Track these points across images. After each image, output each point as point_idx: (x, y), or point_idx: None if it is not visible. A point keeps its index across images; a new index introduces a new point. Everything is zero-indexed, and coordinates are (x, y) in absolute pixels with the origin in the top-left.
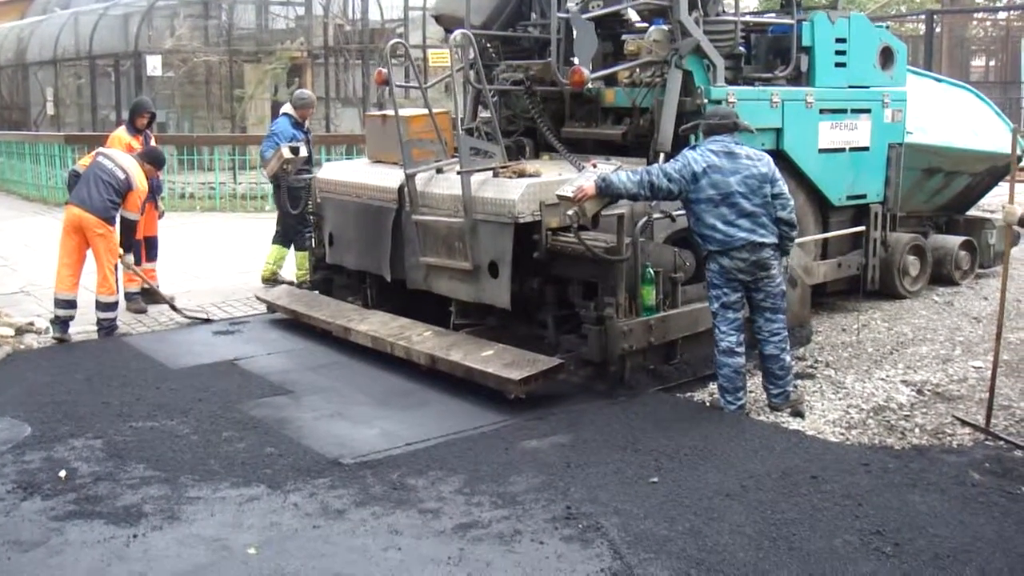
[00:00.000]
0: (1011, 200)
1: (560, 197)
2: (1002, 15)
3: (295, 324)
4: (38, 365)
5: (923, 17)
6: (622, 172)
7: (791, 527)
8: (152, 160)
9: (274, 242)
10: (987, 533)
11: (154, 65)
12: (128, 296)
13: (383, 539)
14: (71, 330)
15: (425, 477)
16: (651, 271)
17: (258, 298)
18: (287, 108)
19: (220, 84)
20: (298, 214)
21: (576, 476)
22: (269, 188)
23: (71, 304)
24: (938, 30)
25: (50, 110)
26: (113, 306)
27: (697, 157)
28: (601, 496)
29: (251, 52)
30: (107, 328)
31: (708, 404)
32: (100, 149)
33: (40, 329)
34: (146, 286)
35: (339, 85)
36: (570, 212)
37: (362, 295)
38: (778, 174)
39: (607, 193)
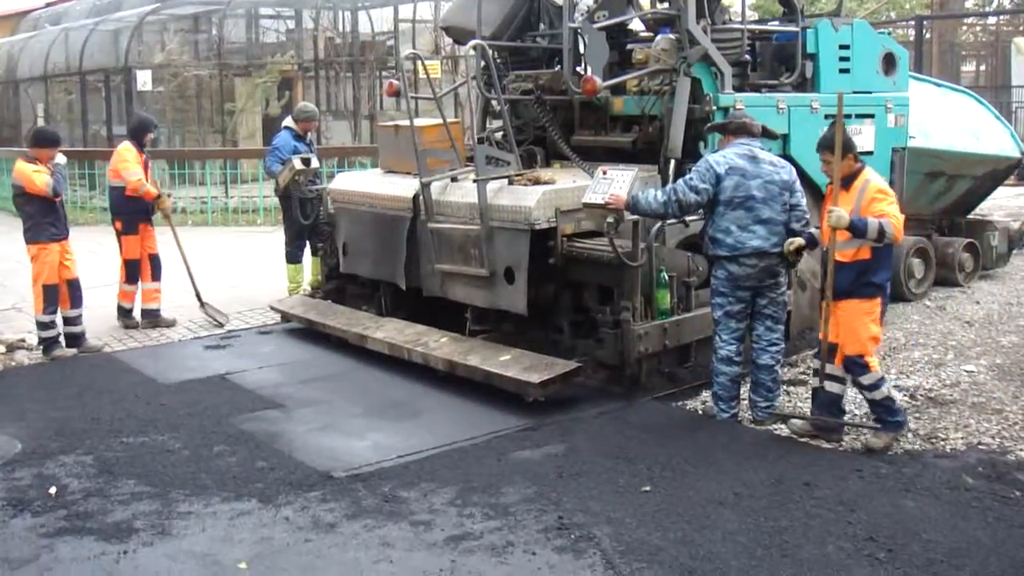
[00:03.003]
0: (835, 201)
1: (587, 205)
2: (992, 20)
3: (288, 336)
4: (29, 381)
5: (913, 23)
6: (650, 192)
7: (784, 534)
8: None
9: (288, 262)
10: (981, 537)
11: (144, 80)
12: (144, 312)
13: (375, 552)
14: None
15: (417, 489)
16: (665, 275)
17: (272, 308)
18: (288, 121)
19: (211, 98)
20: (310, 224)
21: (568, 486)
22: (262, 202)
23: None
24: (928, 36)
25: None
26: (40, 325)
27: (719, 159)
28: (593, 506)
29: (241, 66)
30: (42, 344)
31: (701, 413)
32: None
33: (31, 346)
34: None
35: (330, 98)
36: (610, 219)
37: (376, 303)
38: (798, 184)
39: (635, 212)
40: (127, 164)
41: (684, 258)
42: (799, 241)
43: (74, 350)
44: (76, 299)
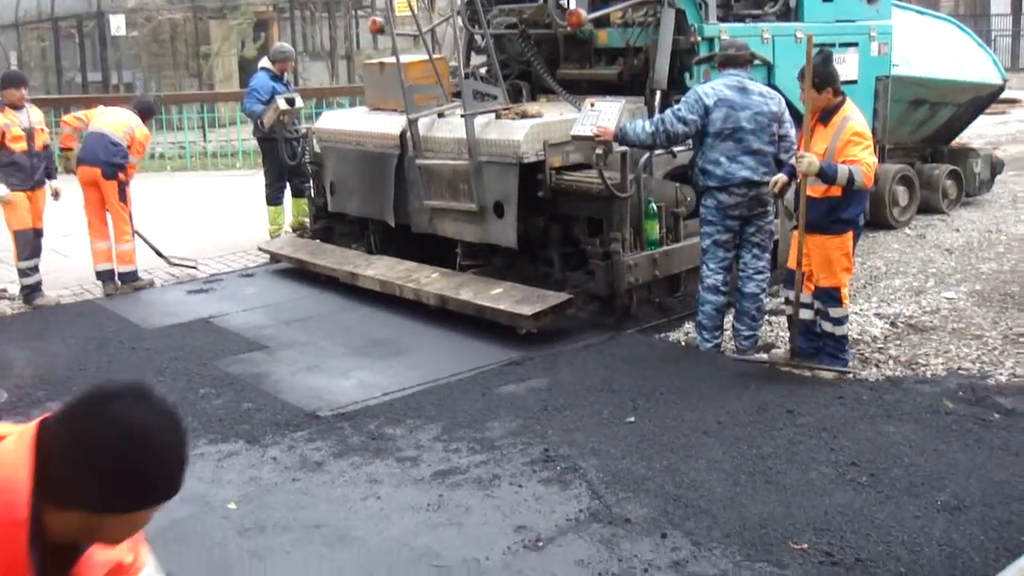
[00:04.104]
0: (812, 136)
1: (576, 137)
2: None
3: (271, 278)
4: (12, 331)
5: None
6: (637, 123)
7: (768, 461)
8: None
9: (269, 204)
10: (961, 460)
11: (118, 25)
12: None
13: (362, 489)
14: (50, 294)
15: (403, 426)
16: (654, 206)
17: (261, 249)
18: (264, 62)
19: (185, 42)
20: (294, 165)
21: (553, 419)
22: (241, 145)
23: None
24: None
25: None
26: (20, 272)
27: (708, 91)
28: (578, 438)
29: (216, 8)
30: (23, 293)
31: (684, 344)
32: None
33: (13, 295)
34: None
35: (306, 38)
36: (598, 151)
37: (365, 242)
38: (787, 115)
39: (623, 144)
40: (143, 147)
41: (672, 189)
42: (782, 180)
43: (56, 297)
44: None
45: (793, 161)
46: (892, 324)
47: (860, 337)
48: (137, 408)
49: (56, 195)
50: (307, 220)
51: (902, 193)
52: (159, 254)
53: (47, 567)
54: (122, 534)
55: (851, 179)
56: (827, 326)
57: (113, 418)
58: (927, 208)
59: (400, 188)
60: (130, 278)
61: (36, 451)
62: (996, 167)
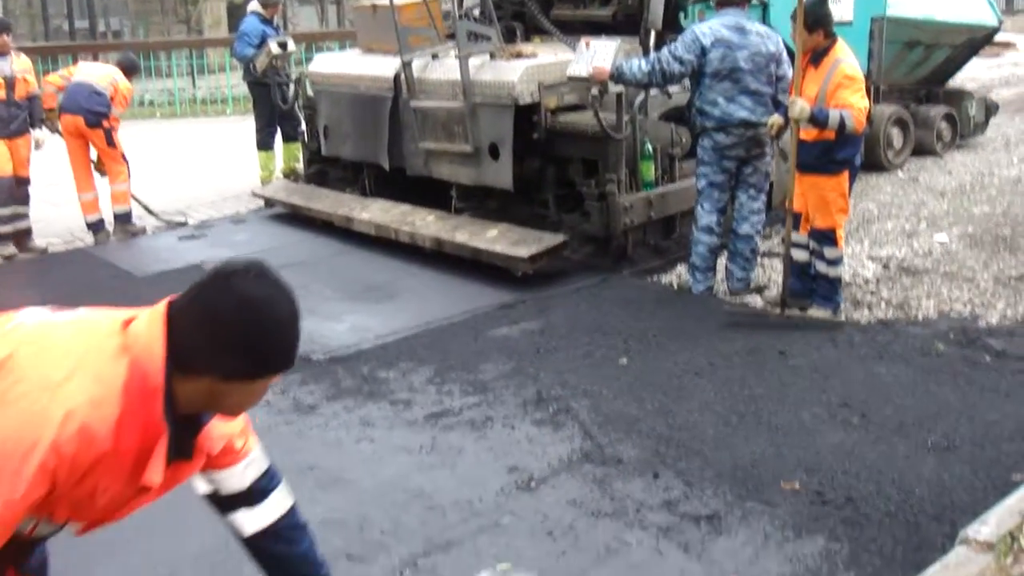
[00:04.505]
0: (803, 78)
1: (572, 77)
2: None
3: (263, 224)
4: (3, 280)
5: None
6: (633, 62)
7: (759, 402)
8: None
9: (260, 149)
10: (952, 401)
11: None
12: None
13: (356, 431)
14: (38, 242)
15: (396, 369)
16: (649, 147)
17: (255, 194)
18: (253, 6)
19: None
20: (288, 108)
21: (545, 361)
22: (231, 91)
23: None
24: None
25: None
26: None
27: (706, 31)
28: (571, 379)
29: None
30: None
31: (676, 287)
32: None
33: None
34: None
35: None
36: (594, 92)
37: (359, 186)
38: (785, 55)
39: (619, 82)
40: (127, 100)
41: (668, 129)
42: (779, 121)
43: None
44: (19, 198)
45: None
46: (884, 266)
47: (852, 279)
48: (258, 283)
49: (39, 145)
50: (298, 165)
51: (896, 135)
52: (149, 211)
53: (178, 434)
54: (241, 404)
55: (843, 124)
56: (821, 267)
57: (236, 291)
58: (921, 150)
59: (394, 131)
60: (125, 219)
61: (167, 325)
62: (991, 109)
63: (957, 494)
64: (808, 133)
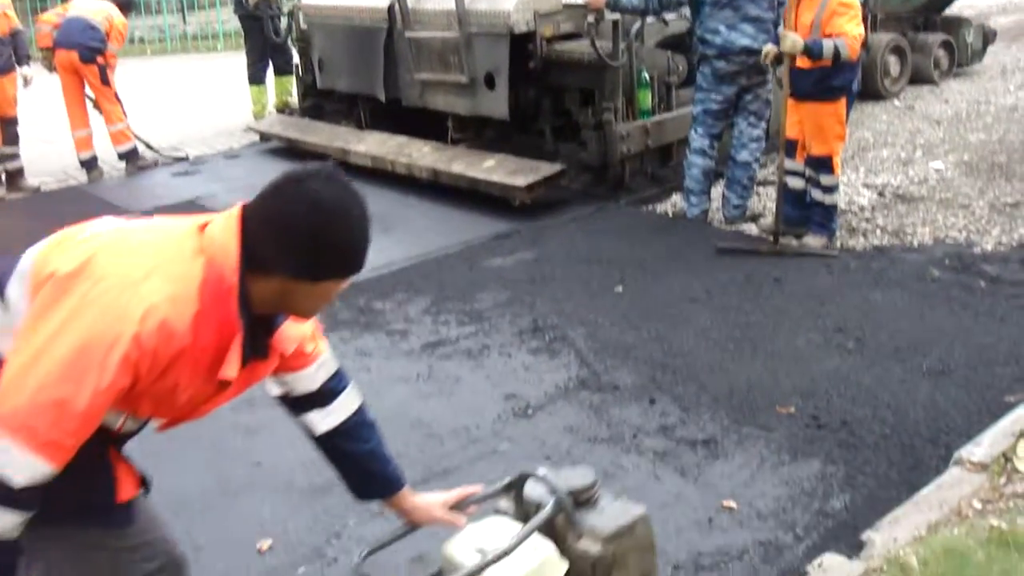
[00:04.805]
0: (795, 17)
1: (567, 5)
2: None
3: (256, 158)
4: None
5: None
6: None
7: (755, 328)
8: None
9: (251, 83)
10: (946, 325)
11: None
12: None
13: (352, 362)
14: (30, 181)
15: (391, 300)
16: (646, 75)
17: (250, 128)
18: None
19: None
20: (281, 42)
21: (541, 290)
22: (222, 27)
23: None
24: None
25: None
26: None
27: None
28: (566, 308)
29: None
30: None
31: (671, 215)
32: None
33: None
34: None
35: None
36: (590, 19)
37: (355, 118)
38: None
39: (615, 10)
40: (122, 35)
41: (664, 57)
42: (773, 50)
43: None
44: (7, 138)
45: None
46: (880, 194)
47: (848, 207)
48: (329, 186)
49: (27, 82)
50: (291, 99)
51: (894, 63)
52: (149, 147)
53: (253, 332)
54: (309, 307)
55: (837, 53)
56: (817, 194)
57: (308, 193)
58: (918, 78)
59: (390, 62)
60: (132, 157)
61: (241, 226)
62: (988, 37)
63: (951, 417)
64: (804, 61)
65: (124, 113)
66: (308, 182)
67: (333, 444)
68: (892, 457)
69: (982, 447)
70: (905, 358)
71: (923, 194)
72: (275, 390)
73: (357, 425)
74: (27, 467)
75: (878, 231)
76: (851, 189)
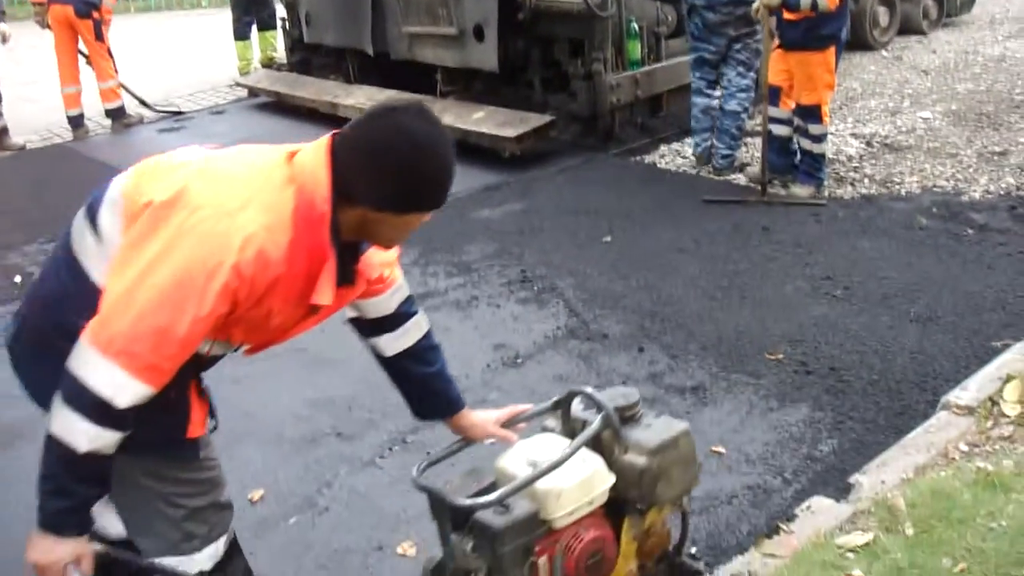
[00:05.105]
0: None
1: None
2: None
3: (242, 114)
4: None
5: None
6: None
7: (743, 277)
8: None
9: (236, 39)
10: (934, 273)
11: None
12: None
13: (341, 313)
14: (16, 139)
15: None
16: (635, 26)
17: (238, 84)
18: None
19: None
20: None
21: (529, 242)
22: None
23: None
24: None
25: None
26: None
27: None
28: (555, 259)
29: None
30: None
31: (659, 167)
32: None
33: None
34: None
35: None
36: None
37: (343, 72)
38: None
39: None
40: None
41: (653, 8)
42: (761, 4)
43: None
44: None
45: None
46: (868, 144)
47: (836, 157)
48: (418, 120)
49: (4, 39)
50: (275, 54)
51: (883, 14)
52: (143, 103)
53: (342, 259)
54: (392, 238)
55: (815, 4)
56: (805, 143)
57: (396, 124)
58: (908, 29)
59: (377, 15)
60: (119, 114)
61: (331, 155)
62: None
63: (939, 362)
64: (790, 14)
65: (116, 70)
66: (399, 116)
67: (402, 366)
68: (880, 402)
69: (969, 391)
70: (893, 305)
71: (911, 143)
72: (349, 313)
73: (425, 348)
74: (130, 389)
75: (866, 180)
76: (839, 139)
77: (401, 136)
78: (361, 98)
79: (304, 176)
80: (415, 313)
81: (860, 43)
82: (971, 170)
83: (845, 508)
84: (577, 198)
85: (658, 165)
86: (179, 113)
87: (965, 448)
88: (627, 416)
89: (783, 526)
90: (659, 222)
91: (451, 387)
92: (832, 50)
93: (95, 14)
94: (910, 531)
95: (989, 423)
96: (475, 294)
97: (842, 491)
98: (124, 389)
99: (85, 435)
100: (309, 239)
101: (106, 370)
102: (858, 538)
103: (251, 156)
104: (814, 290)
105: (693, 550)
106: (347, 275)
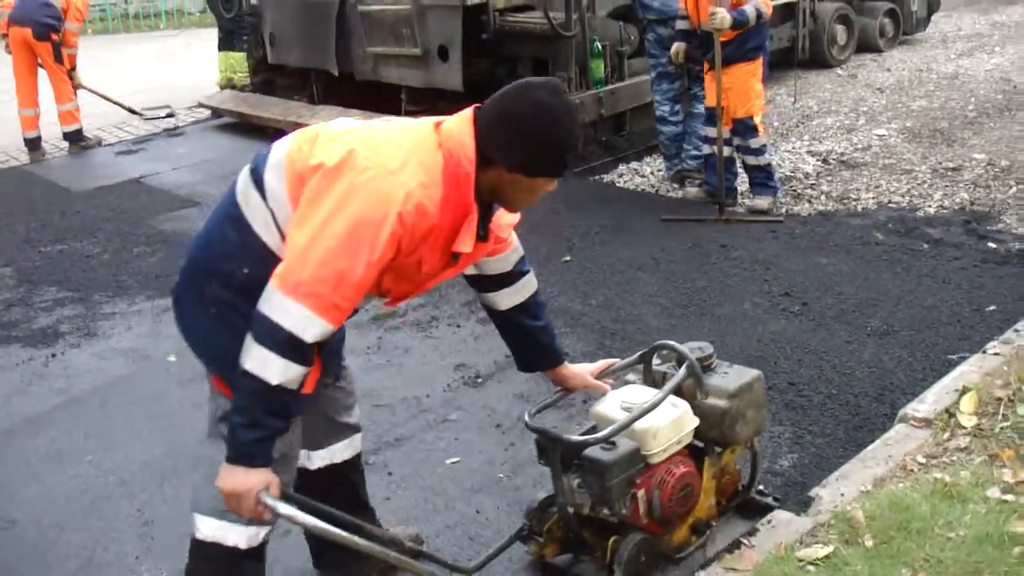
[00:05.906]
0: (719, 3)
1: None
2: None
3: (200, 135)
4: None
5: None
6: None
7: (702, 294)
8: None
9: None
10: (890, 288)
11: None
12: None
13: None
14: None
15: None
16: (599, 45)
17: (202, 104)
18: None
19: None
20: (233, 17)
21: None
22: (164, 4)
23: None
24: None
25: None
26: None
27: None
28: None
29: None
30: None
31: (618, 185)
32: None
33: None
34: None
35: None
36: None
37: (308, 92)
38: None
39: None
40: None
41: (616, 27)
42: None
43: None
44: None
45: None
46: (824, 161)
47: (793, 174)
48: (552, 96)
49: None
50: (235, 76)
51: (841, 32)
52: (131, 111)
53: (481, 215)
54: (521, 199)
55: (759, 15)
56: (750, 160)
57: (531, 96)
58: (864, 47)
59: (342, 36)
60: (76, 137)
61: (475, 125)
62: (933, 5)
63: (896, 376)
64: (726, 34)
65: (75, 94)
66: (534, 89)
67: (515, 320)
68: (839, 416)
69: (926, 404)
70: (850, 320)
71: (867, 160)
72: (469, 270)
73: (535, 304)
74: (315, 326)
75: (823, 197)
76: (796, 156)
77: (538, 108)
78: (325, 119)
79: (452, 141)
80: (528, 272)
81: (819, 61)
82: (926, 186)
83: (805, 521)
84: (537, 216)
85: (616, 184)
86: (171, 116)
87: (923, 460)
88: (705, 365)
89: (744, 540)
90: (618, 241)
91: (555, 342)
92: (760, 60)
93: (53, 36)
94: (869, 543)
95: (946, 435)
96: (435, 314)
97: (802, 504)
98: (311, 326)
99: (277, 368)
100: (457, 195)
101: (295, 310)
102: (819, 551)
103: (403, 125)
104: (772, 306)
105: (761, 487)
106: (482, 231)
